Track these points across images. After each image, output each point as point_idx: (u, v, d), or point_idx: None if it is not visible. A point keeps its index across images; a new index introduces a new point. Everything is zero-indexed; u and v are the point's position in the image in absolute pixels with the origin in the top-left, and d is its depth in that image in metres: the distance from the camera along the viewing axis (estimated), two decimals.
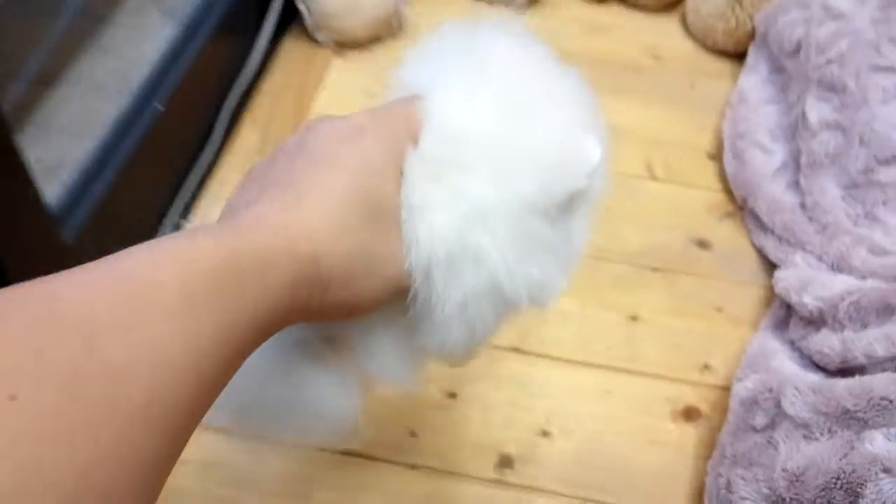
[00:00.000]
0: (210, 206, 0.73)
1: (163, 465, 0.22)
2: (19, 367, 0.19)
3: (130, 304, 0.22)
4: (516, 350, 0.66)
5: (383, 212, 0.32)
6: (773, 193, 0.71)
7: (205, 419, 0.25)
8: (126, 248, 0.24)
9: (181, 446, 0.23)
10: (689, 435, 0.62)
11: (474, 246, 0.32)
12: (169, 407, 0.22)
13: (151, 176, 0.68)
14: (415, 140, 0.33)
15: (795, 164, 0.72)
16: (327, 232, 0.29)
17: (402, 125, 0.33)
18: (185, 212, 0.72)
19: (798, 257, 0.66)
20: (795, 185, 0.72)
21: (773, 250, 0.70)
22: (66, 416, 0.19)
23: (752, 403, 0.55)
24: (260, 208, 0.29)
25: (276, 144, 0.34)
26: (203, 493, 0.56)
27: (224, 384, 0.25)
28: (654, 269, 0.73)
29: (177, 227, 0.71)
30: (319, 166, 0.31)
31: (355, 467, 0.58)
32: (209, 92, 0.76)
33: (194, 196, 0.73)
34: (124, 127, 0.62)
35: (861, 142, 0.68)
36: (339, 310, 0.31)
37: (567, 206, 0.35)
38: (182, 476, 0.57)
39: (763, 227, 0.71)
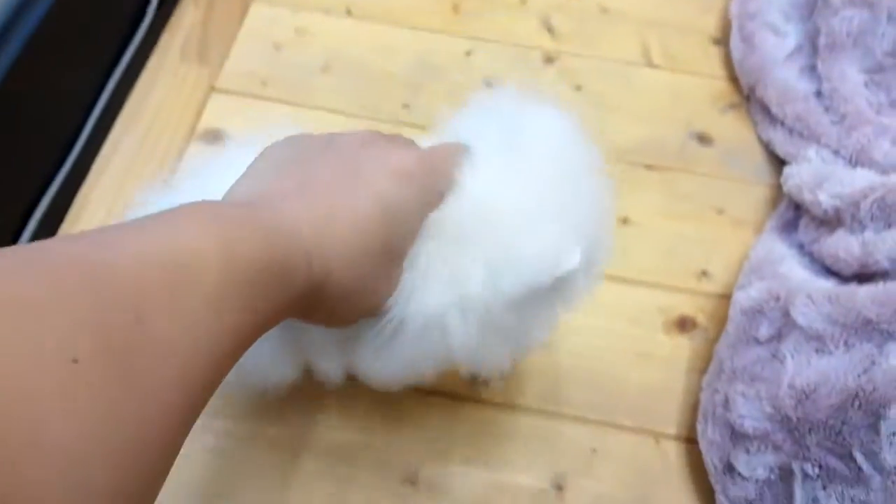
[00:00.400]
0: (144, 97, 0.64)
1: (184, 437, 0.24)
2: (81, 332, 0.20)
3: (176, 286, 0.23)
4: None
5: (394, 255, 0.34)
6: (785, 80, 0.63)
7: None
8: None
9: (195, 420, 0.25)
10: (683, 348, 0.57)
11: (449, 326, 0.36)
12: (197, 385, 0.24)
13: (65, 61, 0.59)
14: (445, 193, 0.35)
15: (812, 47, 0.64)
16: (343, 262, 0.31)
17: (442, 179, 0.35)
18: (113, 105, 0.63)
19: (811, 151, 0.59)
20: (811, 70, 0.63)
21: (783, 144, 0.62)
22: (120, 384, 0.20)
23: (755, 313, 0.49)
24: (297, 216, 0.30)
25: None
26: None
27: (233, 366, 0.27)
28: (649, 167, 0.65)
29: (102, 129, 0.59)
30: (361, 193, 0.32)
31: (308, 387, 0.53)
32: None
33: (123, 86, 0.64)
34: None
35: (889, 18, 0.59)
36: (321, 319, 0.34)
37: (533, 298, 0.36)
38: None
39: (772, 118, 0.64)
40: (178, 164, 0.60)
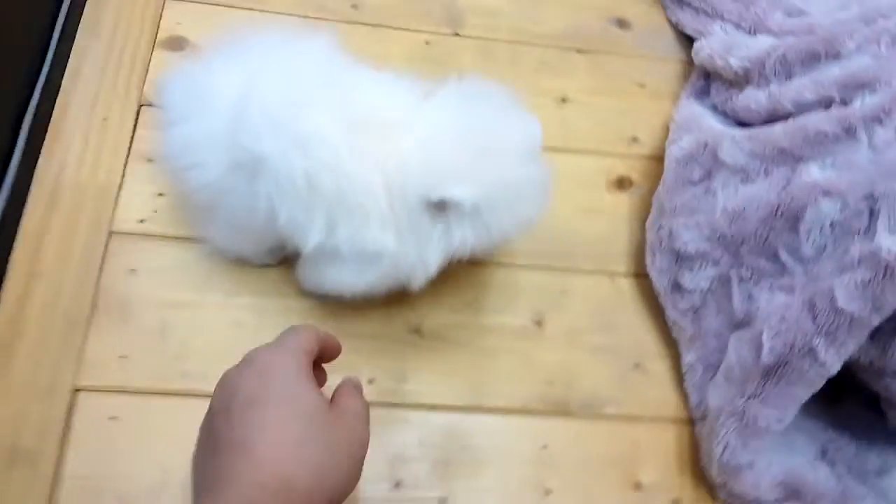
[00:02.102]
0: (101, 5, 0.64)
1: None
2: None
3: None
4: None
5: (321, 413, 0.38)
6: None
7: None
8: None
9: None
10: (623, 203, 0.66)
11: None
12: None
13: None
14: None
15: None
16: (286, 455, 0.35)
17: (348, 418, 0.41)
18: (73, 15, 0.63)
19: (716, 27, 0.69)
20: None
21: (691, 23, 0.72)
22: None
23: (688, 160, 0.59)
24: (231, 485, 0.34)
25: None
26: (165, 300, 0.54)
27: None
28: (579, 51, 0.73)
29: (67, 40, 0.59)
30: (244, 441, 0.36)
31: None
32: None
33: None
34: None
35: None
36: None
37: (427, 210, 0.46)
38: (136, 285, 0.54)
39: (679, 1, 0.73)
40: (147, 71, 0.62)
